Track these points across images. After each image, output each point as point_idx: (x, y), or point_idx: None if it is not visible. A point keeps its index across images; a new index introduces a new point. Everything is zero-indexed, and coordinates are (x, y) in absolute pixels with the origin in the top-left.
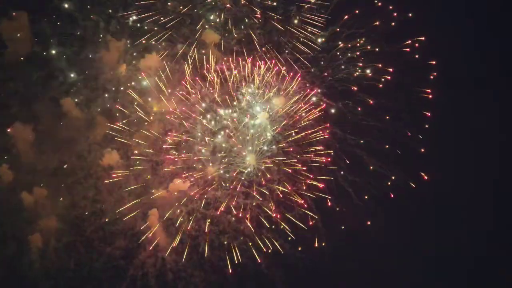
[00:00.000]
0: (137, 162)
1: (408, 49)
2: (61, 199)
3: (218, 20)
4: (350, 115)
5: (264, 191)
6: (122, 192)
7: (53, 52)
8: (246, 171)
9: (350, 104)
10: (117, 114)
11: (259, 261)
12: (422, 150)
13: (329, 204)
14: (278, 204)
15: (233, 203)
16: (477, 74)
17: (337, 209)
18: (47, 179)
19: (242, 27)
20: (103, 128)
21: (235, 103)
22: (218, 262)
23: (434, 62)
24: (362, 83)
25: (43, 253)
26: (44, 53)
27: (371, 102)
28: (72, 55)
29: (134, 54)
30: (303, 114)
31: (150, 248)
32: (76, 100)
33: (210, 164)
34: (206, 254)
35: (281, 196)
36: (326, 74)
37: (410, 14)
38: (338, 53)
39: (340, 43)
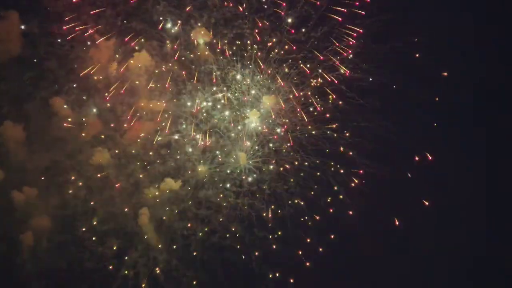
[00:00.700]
0: (128, 162)
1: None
2: (51, 198)
3: (209, 19)
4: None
5: (255, 190)
6: (113, 192)
7: (44, 51)
8: (237, 170)
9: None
10: (108, 113)
11: (251, 260)
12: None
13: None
14: (269, 203)
15: (224, 202)
16: (472, 74)
17: (330, 210)
18: (38, 178)
19: (232, 27)
20: (94, 128)
21: (225, 101)
22: (209, 261)
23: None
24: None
25: (35, 253)
26: (35, 53)
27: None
28: (62, 54)
29: (124, 53)
30: (294, 113)
31: (142, 248)
32: (66, 99)
33: (201, 164)
34: (197, 254)
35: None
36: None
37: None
38: (329, 53)
39: (332, 42)
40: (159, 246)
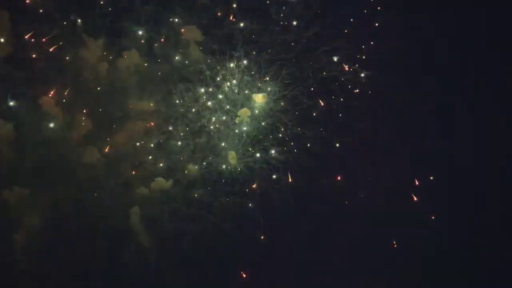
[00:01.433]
0: (119, 161)
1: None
2: (42, 198)
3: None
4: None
5: (246, 190)
6: (103, 191)
7: (33, 51)
8: (227, 170)
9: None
10: (99, 113)
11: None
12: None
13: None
14: (260, 203)
15: (215, 202)
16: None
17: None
18: (29, 178)
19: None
20: (84, 127)
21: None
22: (201, 262)
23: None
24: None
25: (26, 253)
26: (25, 52)
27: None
28: (52, 54)
29: (113, 52)
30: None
31: (133, 248)
32: (57, 99)
33: (192, 163)
34: (188, 254)
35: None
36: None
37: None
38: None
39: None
40: (151, 246)
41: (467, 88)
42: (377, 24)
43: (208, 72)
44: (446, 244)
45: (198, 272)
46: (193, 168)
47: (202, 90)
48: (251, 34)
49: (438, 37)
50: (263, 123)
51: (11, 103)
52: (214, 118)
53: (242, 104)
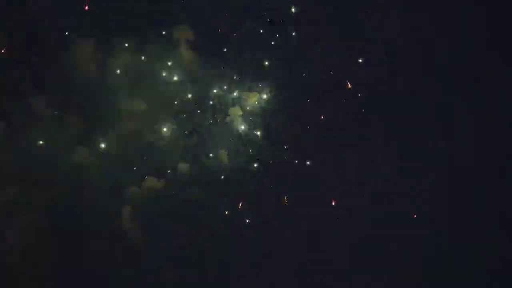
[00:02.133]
0: (110, 160)
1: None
2: (34, 198)
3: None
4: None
5: (238, 190)
6: (94, 190)
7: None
8: (219, 170)
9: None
10: (90, 113)
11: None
12: None
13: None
14: (252, 203)
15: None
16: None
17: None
18: (20, 177)
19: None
20: (75, 127)
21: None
22: (194, 261)
23: None
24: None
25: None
26: (16, 52)
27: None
28: (41, 54)
29: (103, 52)
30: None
31: (126, 248)
32: (47, 99)
33: (183, 163)
34: (182, 254)
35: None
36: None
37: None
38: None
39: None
40: (143, 246)
41: (467, 88)
42: (374, 24)
43: (199, 72)
44: (446, 244)
45: (191, 272)
46: (184, 167)
47: (193, 89)
48: (242, 33)
49: (438, 37)
50: (254, 123)
51: (2, 103)
52: (205, 118)
53: (234, 103)
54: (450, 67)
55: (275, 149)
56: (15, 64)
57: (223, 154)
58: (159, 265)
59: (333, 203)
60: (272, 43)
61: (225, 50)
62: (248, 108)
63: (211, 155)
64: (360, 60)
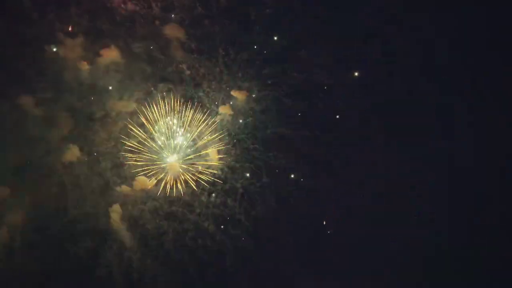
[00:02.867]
0: (100, 160)
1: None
2: (24, 197)
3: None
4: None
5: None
6: (84, 190)
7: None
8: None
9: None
10: (79, 112)
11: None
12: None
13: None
14: (242, 201)
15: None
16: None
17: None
18: (10, 177)
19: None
20: (65, 126)
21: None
22: (182, 260)
23: None
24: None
25: (8, 253)
26: (4, 52)
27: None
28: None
29: (92, 51)
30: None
31: (116, 247)
32: (37, 98)
33: (173, 162)
34: (170, 253)
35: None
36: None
37: None
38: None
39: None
40: (133, 245)
41: (467, 88)
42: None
43: (188, 71)
44: (446, 244)
45: (181, 270)
46: (174, 166)
47: (183, 88)
48: (232, 33)
49: (438, 37)
50: (244, 122)
51: None
52: (194, 116)
53: (223, 102)
54: (450, 67)
55: (264, 149)
56: (4, 65)
57: (213, 152)
58: (148, 263)
59: (333, 203)
60: (266, 42)
61: (214, 49)
62: (237, 106)
63: (201, 153)
64: (360, 60)
